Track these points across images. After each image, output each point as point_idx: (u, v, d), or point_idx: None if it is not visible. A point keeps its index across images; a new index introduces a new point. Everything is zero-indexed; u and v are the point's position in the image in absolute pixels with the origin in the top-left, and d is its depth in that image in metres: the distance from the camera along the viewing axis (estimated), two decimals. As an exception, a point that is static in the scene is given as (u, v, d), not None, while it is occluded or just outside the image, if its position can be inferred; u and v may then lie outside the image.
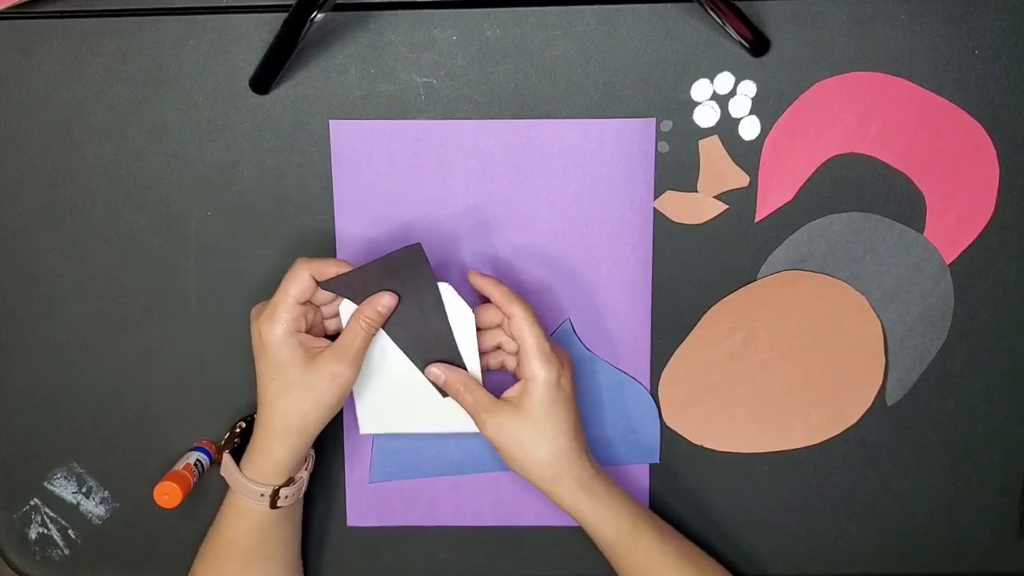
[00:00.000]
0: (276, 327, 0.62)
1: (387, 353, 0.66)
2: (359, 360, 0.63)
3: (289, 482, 0.65)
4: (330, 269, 0.62)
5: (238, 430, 0.69)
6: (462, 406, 0.65)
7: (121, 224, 0.69)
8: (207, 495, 0.73)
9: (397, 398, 0.67)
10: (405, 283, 0.63)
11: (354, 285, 0.63)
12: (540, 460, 0.64)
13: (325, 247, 0.69)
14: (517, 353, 0.65)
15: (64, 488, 0.73)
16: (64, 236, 0.69)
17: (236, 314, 0.70)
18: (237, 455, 0.66)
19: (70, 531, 0.74)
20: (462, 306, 0.64)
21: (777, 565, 0.74)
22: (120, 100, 0.67)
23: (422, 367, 0.66)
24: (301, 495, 0.68)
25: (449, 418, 0.68)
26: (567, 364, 0.65)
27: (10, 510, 0.74)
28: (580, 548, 0.73)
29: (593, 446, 0.69)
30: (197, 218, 0.69)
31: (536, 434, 0.64)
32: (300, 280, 0.62)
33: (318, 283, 0.62)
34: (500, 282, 0.65)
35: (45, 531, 0.74)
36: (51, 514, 0.74)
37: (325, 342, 0.64)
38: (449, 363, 0.65)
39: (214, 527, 0.68)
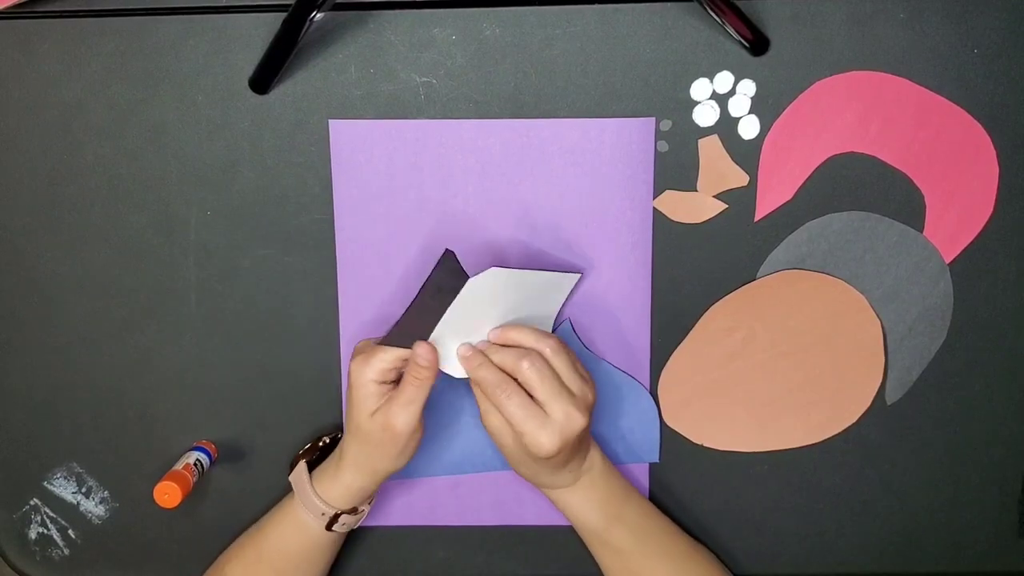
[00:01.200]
0: (364, 369, 0.62)
1: (490, 308, 0.64)
2: (411, 413, 0.61)
3: (352, 511, 0.66)
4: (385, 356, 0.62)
5: (321, 444, 0.70)
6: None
7: (121, 224, 0.69)
8: (207, 495, 0.73)
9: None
10: (448, 297, 0.62)
11: (408, 330, 0.62)
12: (531, 473, 0.65)
13: (325, 247, 0.69)
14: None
15: (64, 488, 0.73)
16: (64, 236, 0.69)
17: (236, 314, 0.70)
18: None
19: (70, 531, 0.74)
20: (561, 277, 0.64)
21: (777, 565, 0.74)
22: (120, 100, 0.67)
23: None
24: (356, 526, 0.68)
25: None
26: (589, 401, 0.62)
27: (10, 510, 0.74)
28: (580, 548, 0.73)
29: (593, 446, 0.70)
30: (197, 218, 0.69)
31: (535, 459, 0.62)
32: (394, 350, 0.62)
33: (378, 342, 0.62)
34: (498, 348, 0.62)
35: (45, 531, 0.74)
36: (51, 514, 0.74)
37: None
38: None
39: (262, 531, 0.69)
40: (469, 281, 0.62)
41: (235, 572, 0.69)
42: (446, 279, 0.61)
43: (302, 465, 0.67)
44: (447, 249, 0.60)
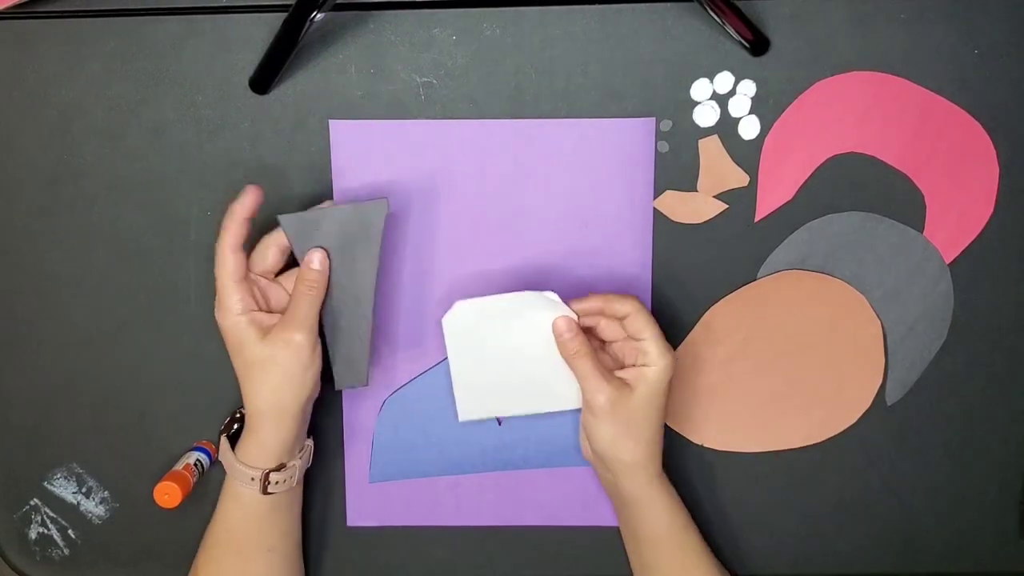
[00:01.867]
0: (224, 311, 0.62)
1: (486, 338, 0.65)
2: (309, 324, 0.62)
3: (280, 468, 0.65)
4: (240, 229, 0.62)
5: (238, 415, 0.70)
6: (577, 370, 0.63)
7: (121, 224, 0.69)
8: (207, 495, 0.73)
9: (497, 381, 0.67)
10: (355, 234, 0.63)
11: (308, 228, 0.63)
12: (636, 446, 0.64)
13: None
14: (619, 343, 0.65)
15: (64, 488, 0.73)
16: (64, 236, 0.69)
17: (236, 314, 0.70)
18: (233, 442, 0.67)
19: (70, 531, 0.74)
20: (564, 309, 0.64)
21: (777, 565, 0.74)
22: (120, 100, 0.67)
23: (353, 309, 0.65)
24: (295, 484, 0.67)
25: (549, 398, 0.67)
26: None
27: (10, 510, 0.74)
28: (580, 548, 0.73)
29: (593, 446, 0.70)
30: (197, 218, 0.69)
31: (642, 418, 0.63)
32: (224, 260, 0.62)
33: (277, 218, 0.62)
34: (593, 294, 0.64)
35: (45, 531, 0.74)
36: (51, 514, 0.74)
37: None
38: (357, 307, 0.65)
39: (213, 516, 0.68)
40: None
41: (203, 561, 0.68)
42: (368, 215, 0.62)
43: (224, 440, 0.66)
44: (384, 198, 0.62)
